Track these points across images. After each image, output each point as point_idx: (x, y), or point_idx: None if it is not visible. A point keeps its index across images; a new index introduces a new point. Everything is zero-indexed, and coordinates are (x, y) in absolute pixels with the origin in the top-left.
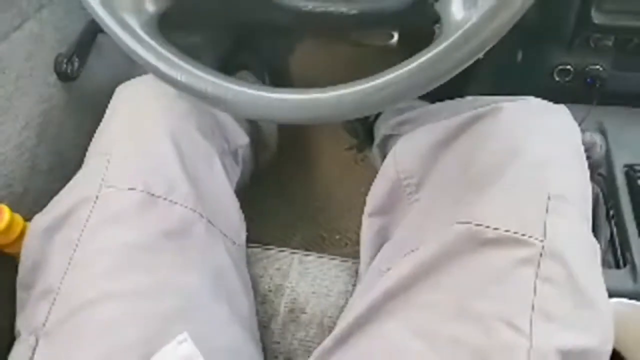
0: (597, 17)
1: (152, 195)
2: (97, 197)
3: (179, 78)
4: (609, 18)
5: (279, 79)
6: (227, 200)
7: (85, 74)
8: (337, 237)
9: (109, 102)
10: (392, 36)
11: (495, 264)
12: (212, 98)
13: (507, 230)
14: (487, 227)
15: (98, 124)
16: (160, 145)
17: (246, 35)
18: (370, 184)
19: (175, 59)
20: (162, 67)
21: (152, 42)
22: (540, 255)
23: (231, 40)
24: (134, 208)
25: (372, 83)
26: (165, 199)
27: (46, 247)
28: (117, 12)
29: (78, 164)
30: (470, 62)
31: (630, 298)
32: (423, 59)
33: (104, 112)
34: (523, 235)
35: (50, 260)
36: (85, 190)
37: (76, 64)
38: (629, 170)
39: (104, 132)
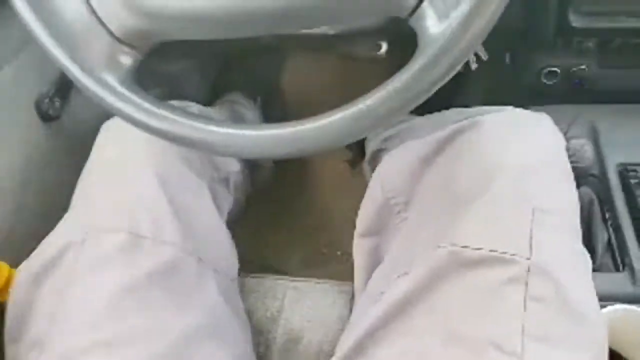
0: (575, 20)
1: (139, 235)
2: (83, 241)
3: (164, 128)
4: (587, 21)
5: (271, 98)
6: (217, 234)
7: (67, 113)
8: (338, 253)
9: (94, 139)
10: (381, 46)
11: (483, 285)
12: (199, 144)
13: (492, 250)
14: (472, 248)
15: (84, 163)
16: (145, 183)
17: (234, 56)
18: None
19: (158, 110)
20: (145, 118)
21: (134, 97)
22: (528, 273)
23: (219, 63)
24: (121, 250)
25: (353, 109)
26: (152, 238)
27: (33, 297)
28: (93, 72)
29: (65, 205)
30: (451, 75)
31: (630, 302)
32: (403, 76)
33: (89, 150)
34: (508, 253)
35: (37, 310)
36: (71, 235)
37: (58, 104)
38: (623, 170)
39: (89, 173)
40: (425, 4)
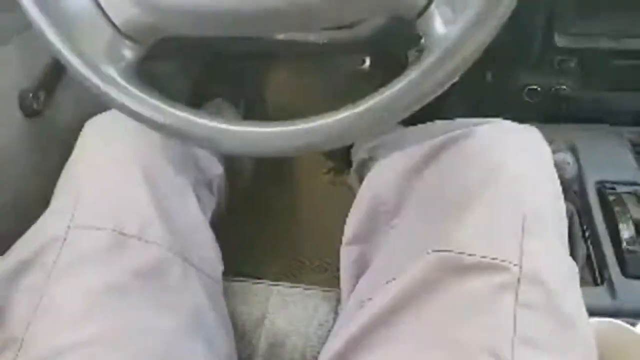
0: (559, 41)
1: (124, 234)
2: (65, 238)
3: (163, 122)
4: (571, 41)
5: (253, 104)
6: (202, 235)
7: (51, 109)
8: (318, 263)
9: (77, 137)
10: (364, 61)
11: (473, 292)
12: (200, 138)
13: (483, 256)
14: (463, 253)
15: (66, 161)
16: (131, 181)
17: (219, 62)
18: (349, 208)
19: (161, 105)
20: (148, 112)
21: (134, 90)
22: (518, 279)
23: (203, 68)
24: (104, 249)
25: (361, 107)
26: (138, 238)
27: (10, 294)
28: (94, 63)
29: (45, 203)
30: (455, 77)
31: (609, 315)
32: (412, 75)
33: (72, 148)
34: (498, 260)
35: (14, 307)
36: (53, 231)
37: (42, 99)
38: (601, 187)
39: (73, 169)
40: (433, 7)
